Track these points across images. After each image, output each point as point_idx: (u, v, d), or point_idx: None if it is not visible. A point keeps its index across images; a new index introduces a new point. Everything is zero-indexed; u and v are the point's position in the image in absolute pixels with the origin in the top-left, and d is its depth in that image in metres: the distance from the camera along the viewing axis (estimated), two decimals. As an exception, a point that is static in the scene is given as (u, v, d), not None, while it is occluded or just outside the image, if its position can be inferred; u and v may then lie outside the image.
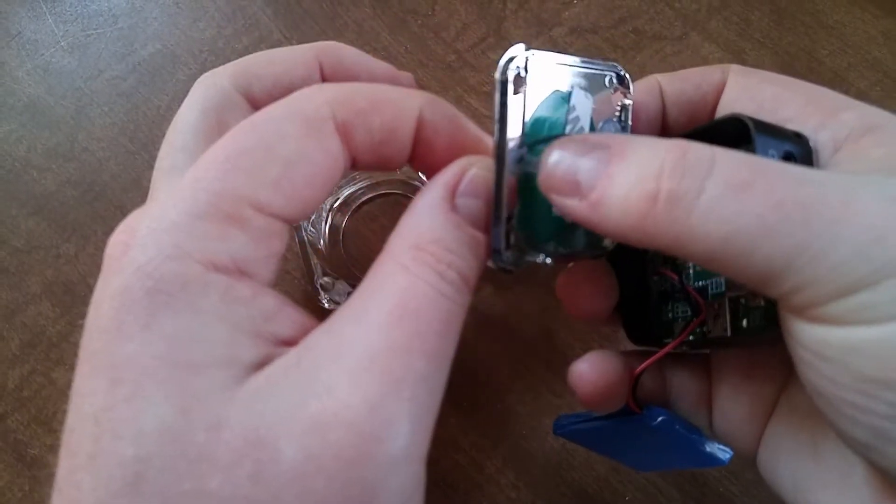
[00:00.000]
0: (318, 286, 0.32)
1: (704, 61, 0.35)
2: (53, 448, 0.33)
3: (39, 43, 0.40)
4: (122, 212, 0.36)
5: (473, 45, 0.39)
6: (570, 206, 0.17)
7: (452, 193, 0.18)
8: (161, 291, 0.15)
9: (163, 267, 0.15)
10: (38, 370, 0.34)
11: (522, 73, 0.19)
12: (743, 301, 0.21)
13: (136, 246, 0.16)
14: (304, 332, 0.17)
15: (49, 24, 0.41)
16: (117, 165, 0.37)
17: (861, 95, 0.34)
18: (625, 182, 0.16)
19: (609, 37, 0.37)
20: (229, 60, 0.40)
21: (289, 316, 0.17)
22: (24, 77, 0.40)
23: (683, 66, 0.35)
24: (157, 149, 0.37)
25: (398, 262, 0.17)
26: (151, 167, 0.35)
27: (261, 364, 0.16)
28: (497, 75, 0.19)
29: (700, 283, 0.23)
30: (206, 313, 0.15)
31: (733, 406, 0.23)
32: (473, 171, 0.19)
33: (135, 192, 0.37)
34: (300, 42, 0.38)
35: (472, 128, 0.20)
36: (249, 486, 0.14)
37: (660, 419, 0.22)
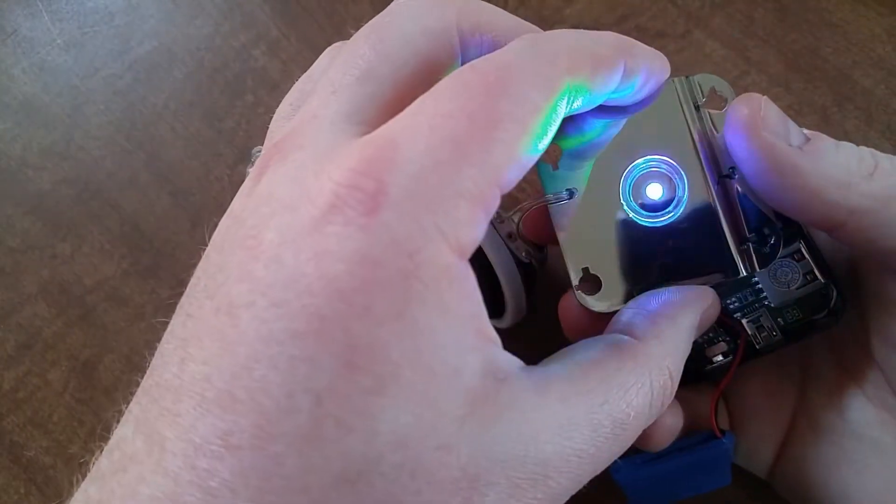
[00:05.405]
0: None
1: (707, 59, 0.35)
2: (49, 450, 0.33)
3: (35, 41, 0.40)
4: (119, 211, 0.36)
5: (474, 42, 0.38)
6: (779, 147, 0.18)
7: None
8: (418, 279, 0.13)
9: (424, 250, 0.13)
10: (34, 371, 0.34)
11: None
12: (770, 304, 0.22)
13: (391, 208, 0.13)
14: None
15: (45, 22, 0.40)
16: (113, 164, 0.37)
17: (866, 93, 0.33)
18: (842, 149, 0.18)
19: (611, 34, 0.37)
20: (227, 58, 0.40)
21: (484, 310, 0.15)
22: (20, 75, 0.39)
23: (687, 64, 0.35)
24: (154, 147, 0.37)
25: (647, 370, 0.17)
26: (148, 166, 0.35)
27: (485, 372, 0.14)
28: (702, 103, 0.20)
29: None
30: (449, 312, 0.14)
31: (753, 425, 0.23)
32: None
33: (131, 191, 0.36)
34: (298, 40, 0.38)
35: None
36: None
37: (727, 440, 0.22)
